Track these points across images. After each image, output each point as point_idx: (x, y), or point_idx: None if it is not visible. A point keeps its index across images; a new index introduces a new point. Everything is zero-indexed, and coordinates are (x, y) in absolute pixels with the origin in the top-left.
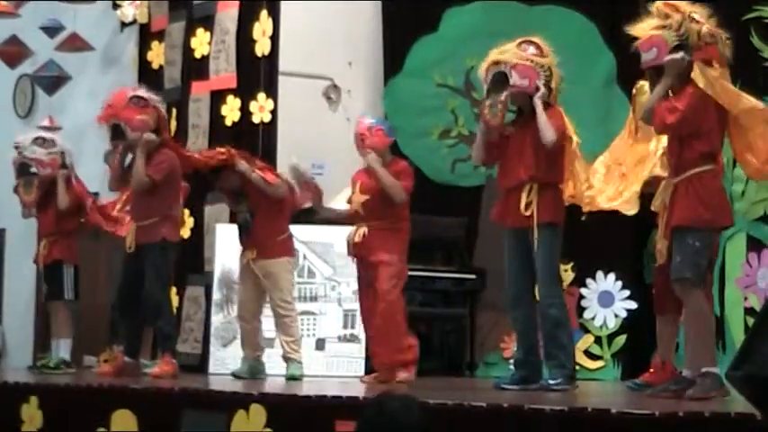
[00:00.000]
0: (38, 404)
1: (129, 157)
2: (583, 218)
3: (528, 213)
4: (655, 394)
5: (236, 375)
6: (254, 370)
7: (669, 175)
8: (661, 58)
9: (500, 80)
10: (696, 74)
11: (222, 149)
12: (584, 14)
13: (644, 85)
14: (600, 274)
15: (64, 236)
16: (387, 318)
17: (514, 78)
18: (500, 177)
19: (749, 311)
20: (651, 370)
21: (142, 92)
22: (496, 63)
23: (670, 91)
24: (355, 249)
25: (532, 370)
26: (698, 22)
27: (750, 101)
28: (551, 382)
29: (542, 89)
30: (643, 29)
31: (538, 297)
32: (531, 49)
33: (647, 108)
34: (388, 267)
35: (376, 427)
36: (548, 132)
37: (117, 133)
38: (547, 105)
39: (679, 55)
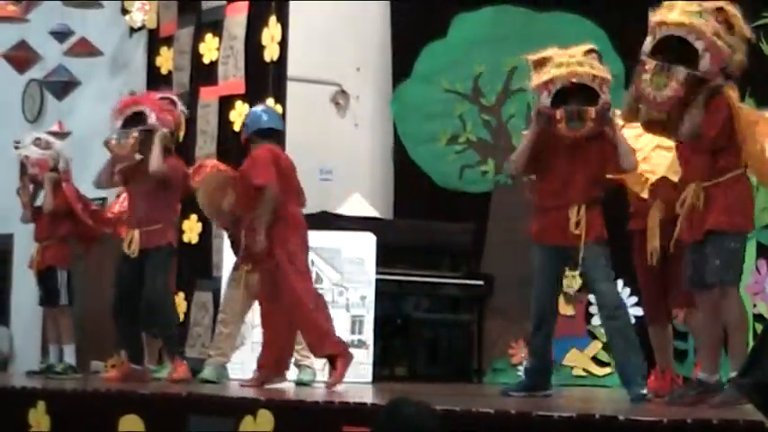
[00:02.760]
0: (45, 409)
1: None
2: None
3: (578, 232)
4: (673, 401)
5: (205, 380)
6: (220, 375)
7: (695, 178)
8: (714, 76)
9: (575, 91)
10: (730, 95)
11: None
12: (593, 20)
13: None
14: None
15: (57, 241)
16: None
17: (605, 95)
18: (543, 193)
19: (758, 318)
20: (652, 378)
21: (171, 95)
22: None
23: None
24: None
25: (541, 378)
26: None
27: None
28: (644, 392)
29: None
30: (713, 34)
31: (604, 307)
32: (597, 62)
33: (695, 129)
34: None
35: None
36: (628, 158)
37: (133, 121)
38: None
39: (723, 81)
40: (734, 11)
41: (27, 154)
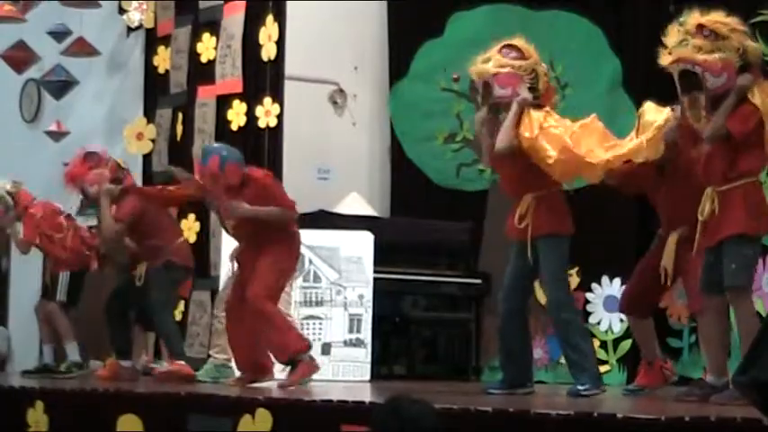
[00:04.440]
0: (44, 409)
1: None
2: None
3: (522, 226)
4: (679, 398)
5: (201, 380)
6: (221, 373)
7: (711, 183)
8: (732, 82)
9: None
10: (755, 95)
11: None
12: (590, 19)
13: (650, 107)
14: (605, 278)
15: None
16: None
17: (496, 90)
18: (501, 188)
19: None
20: (641, 372)
21: (92, 148)
22: (478, 74)
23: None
24: None
25: (518, 371)
26: (750, 37)
27: None
28: (580, 388)
29: (523, 94)
30: (701, 54)
31: (546, 305)
32: (513, 54)
33: (717, 132)
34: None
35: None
36: (502, 140)
37: (86, 194)
38: (538, 107)
39: (747, 78)
40: (714, 18)
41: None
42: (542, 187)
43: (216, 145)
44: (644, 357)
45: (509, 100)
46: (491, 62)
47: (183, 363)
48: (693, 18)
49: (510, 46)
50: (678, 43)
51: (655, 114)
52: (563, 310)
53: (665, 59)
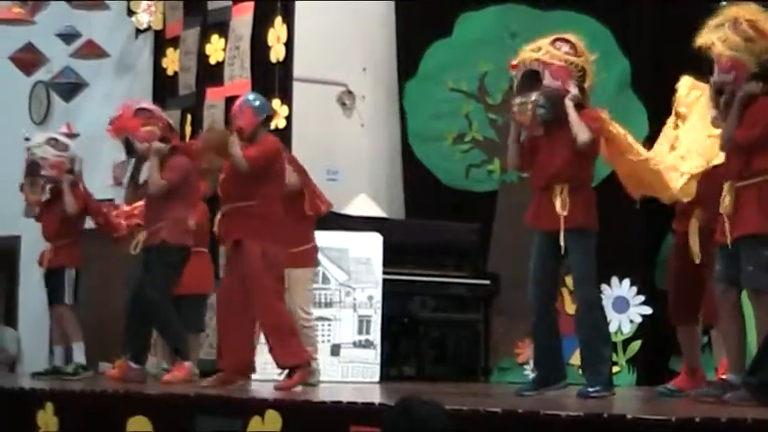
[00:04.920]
0: (53, 410)
1: (144, 168)
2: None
3: (565, 213)
4: (697, 398)
5: None
6: None
7: (730, 178)
8: (738, 84)
9: (531, 78)
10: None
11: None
12: (599, 19)
13: (687, 78)
14: (615, 279)
15: (69, 241)
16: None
17: (547, 79)
18: (532, 179)
19: None
20: (681, 376)
21: (146, 104)
22: (529, 60)
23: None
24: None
25: (552, 370)
26: None
27: None
28: (590, 390)
29: (573, 91)
30: (721, 46)
31: (572, 301)
32: (566, 48)
33: (727, 138)
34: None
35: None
36: (582, 133)
37: (129, 147)
38: (579, 107)
39: (757, 86)
40: (751, 17)
41: (44, 155)
42: (579, 177)
43: (254, 93)
44: (687, 364)
45: (557, 92)
46: (542, 51)
47: (187, 364)
48: (735, 9)
49: (564, 40)
50: (712, 29)
51: (690, 90)
52: (592, 310)
53: (697, 39)
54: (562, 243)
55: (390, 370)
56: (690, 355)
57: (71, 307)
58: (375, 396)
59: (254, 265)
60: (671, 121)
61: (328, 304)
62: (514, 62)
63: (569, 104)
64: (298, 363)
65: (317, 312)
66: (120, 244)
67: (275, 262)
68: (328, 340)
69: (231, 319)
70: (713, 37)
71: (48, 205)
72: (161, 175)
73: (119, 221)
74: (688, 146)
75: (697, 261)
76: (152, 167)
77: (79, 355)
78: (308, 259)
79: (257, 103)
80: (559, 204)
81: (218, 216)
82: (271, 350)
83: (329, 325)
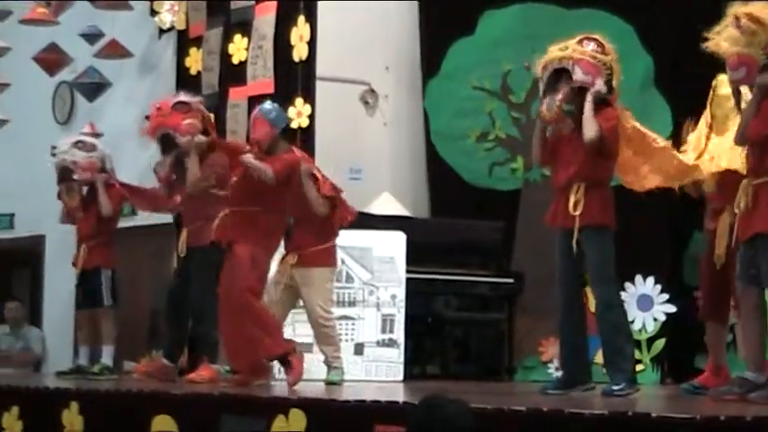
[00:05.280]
0: (78, 409)
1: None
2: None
3: (577, 213)
4: (718, 396)
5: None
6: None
7: (748, 175)
8: (751, 78)
9: (557, 78)
10: None
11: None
12: (622, 17)
13: (723, 79)
14: (639, 277)
15: (103, 241)
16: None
17: (578, 74)
18: (553, 177)
19: None
20: (706, 374)
21: (183, 96)
22: (557, 59)
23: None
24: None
25: (579, 370)
26: None
27: None
28: (614, 388)
29: (599, 86)
30: (727, 45)
31: (597, 305)
32: (593, 46)
33: (742, 131)
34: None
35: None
36: (588, 130)
37: (167, 143)
38: (605, 104)
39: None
40: (749, 11)
41: (74, 159)
42: (597, 176)
43: (270, 103)
44: (713, 361)
45: (588, 86)
46: (569, 50)
47: (214, 367)
48: (734, 8)
49: (590, 38)
50: (718, 31)
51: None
52: (611, 310)
53: (707, 45)
54: (574, 242)
55: (414, 369)
56: (716, 352)
57: (110, 309)
58: (399, 395)
59: (243, 268)
60: (703, 123)
61: (352, 303)
62: (542, 63)
63: (589, 99)
64: (285, 351)
65: (340, 311)
66: (144, 243)
67: (260, 264)
68: (352, 339)
69: (234, 318)
70: (719, 39)
71: (83, 205)
72: (200, 173)
73: (173, 196)
74: (721, 149)
75: (717, 262)
76: (192, 164)
77: (107, 358)
78: (327, 258)
79: (273, 114)
80: (572, 203)
81: (221, 215)
82: (255, 344)
83: (353, 324)
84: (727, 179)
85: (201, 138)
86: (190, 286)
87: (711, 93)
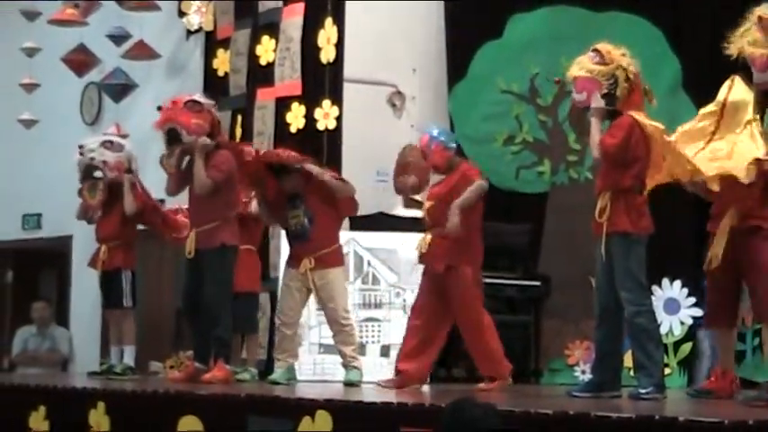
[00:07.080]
0: (105, 410)
1: (186, 160)
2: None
3: (602, 220)
4: (747, 402)
5: (274, 381)
6: (291, 376)
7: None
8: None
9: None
10: None
11: (284, 151)
12: (650, 20)
13: (738, 78)
14: (666, 281)
15: (125, 242)
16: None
17: (573, 94)
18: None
19: None
20: (712, 378)
21: (196, 97)
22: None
23: None
24: (421, 258)
25: (608, 376)
26: None
27: None
28: (641, 391)
29: (596, 103)
30: (751, 46)
31: (625, 310)
32: (596, 59)
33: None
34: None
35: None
36: (593, 150)
37: (172, 138)
38: (615, 114)
39: None
40: None
41: (104, 159)
42: (620, 185)
43: (433, 127)
44: (720, 365)
45: (585, 105)
46: (577, 65)
47: (228, 368)
48: (757, 9)
49: (595, 50)
50: (740, 34)
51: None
52: (640, 314)
53: (730, 50)
54: (603, 249)
55: (440, 371)
56: (724, 357)
57: (129, 310)
58: (425, 397)
59: (470, 287)
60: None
61: (378, 305)
62: (557, 79)
63: (592, 121)
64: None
65: (366, 313)
66: (178, 244)
67: (480, 282)
68: (378, 341)
69: (475, 333)
70: (743, 42)
71: (105, 206)
72: (206, 173)
73: (183, 220)
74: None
75: (714, 264)
76: (197, 165)
77: (129, 358)
78: (339, 258)
79: (443, 137)
80: (598, 210)
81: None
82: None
83: (379, 326)
84: (732, 182)
85: (206, 140)
86: (203, 287)
87: (726, 92)
